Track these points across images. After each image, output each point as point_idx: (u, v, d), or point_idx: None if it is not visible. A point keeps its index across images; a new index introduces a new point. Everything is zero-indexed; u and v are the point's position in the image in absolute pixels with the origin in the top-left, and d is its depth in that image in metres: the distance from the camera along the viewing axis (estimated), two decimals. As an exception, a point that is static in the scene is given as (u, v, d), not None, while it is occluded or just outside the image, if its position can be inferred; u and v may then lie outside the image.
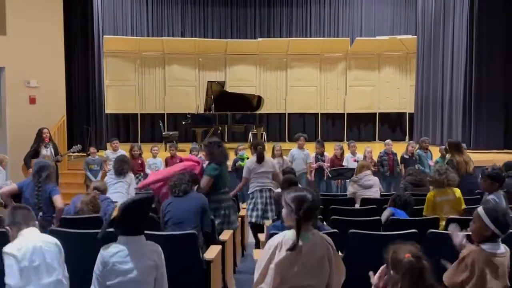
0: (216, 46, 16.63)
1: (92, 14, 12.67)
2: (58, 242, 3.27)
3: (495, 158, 10.71)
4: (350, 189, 6.94)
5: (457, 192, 5.07)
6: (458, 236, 3.13)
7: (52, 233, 3.83)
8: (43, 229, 4.44)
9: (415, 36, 16.06)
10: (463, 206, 5.05)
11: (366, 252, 3.51)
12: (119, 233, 2.89)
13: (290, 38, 16.93)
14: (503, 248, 2.87)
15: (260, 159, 6.59)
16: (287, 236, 2.81)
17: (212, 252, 4.02)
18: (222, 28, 17.53)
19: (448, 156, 9.27)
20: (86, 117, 12.59)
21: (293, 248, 2.74)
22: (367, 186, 6.71)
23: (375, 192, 6.75)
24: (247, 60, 16.91)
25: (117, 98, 16.01)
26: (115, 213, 2.86)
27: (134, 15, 17.13)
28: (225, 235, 4.83)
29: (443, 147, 9.99)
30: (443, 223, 4.61)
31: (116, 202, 5.15)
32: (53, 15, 11.19)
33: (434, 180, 5.13)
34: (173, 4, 17.35)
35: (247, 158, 8.89)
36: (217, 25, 17.54)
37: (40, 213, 4.63)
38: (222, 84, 14.85)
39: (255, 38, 17.05)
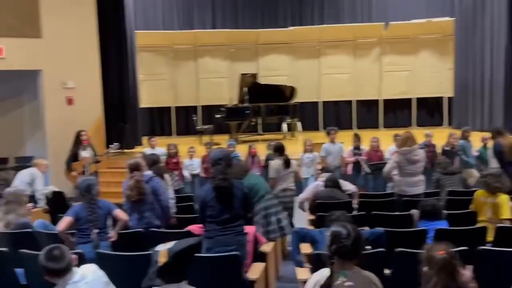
0: (247, 36, 16.50)
1: (124, 10, 12.73)
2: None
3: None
4: (394, 159, 6.74)
5: (503, 198, 4.87)
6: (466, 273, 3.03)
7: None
8: (98, 244, 4.58)
9: (452, 18, 15.53)
10: (505, 216, 4.82)
11: (413, 271, 3.39)
12: (163, 281, 2.73)
13: (322, 26, 16.64)
14: None
15: (287, 164, 7.01)
16: (325, 273, 2.77)
17: (255, 271, 3.99)
18: (254, 18, 17.36)
19: (489, 146, 9.10)
20: (122, 114, 12.72)
21: (326, 285, 2.71)
22: (414, 161, 6.53)
23: (419, 167, 6.56)
24: (279, 50, 16.73)
25: (151, 92, 16.12)
26: (162, 259, 2.70)
27: (164, 9, 17.14)
28: (268, 247, 4.80)
29: (486, 136, 9.73)
30: (491, 232, 4.46)
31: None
32: (86, 15, 11.30)
33: (484, 183, 4.93)
34: (203, -4, 17.28)
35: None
36: (248, 15, 17.38)
37: (96, 230, 4.63)
38: (254, 76, 14.75)
39: (286, 27, 16.82)
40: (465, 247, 3.56)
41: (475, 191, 7.48)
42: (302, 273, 3.89)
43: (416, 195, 6.47)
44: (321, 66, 16.72)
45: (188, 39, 16.47)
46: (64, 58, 10.69)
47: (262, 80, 14.89)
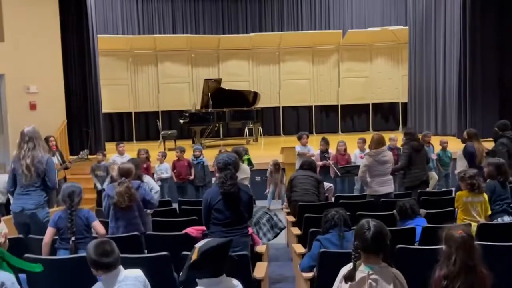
0: (209, 42, 16.59)
1: (87, 14, 12.54)
2: None
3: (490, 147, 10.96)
4: (365, 162, 7.02)
5: (485, 196, 5.22)
6: None
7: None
8: (75, 252, 4.48)
9: (406, 27, 16.21)
10: (489, 212, 5.21)
11: (413, 267, 3.59)
12: (198, 276, 2.84)
13: (282, 32, 16.97)
14: None
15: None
16: (352, 266, 2.93)
17: (260, 271, 4.11)
18: (214, 24, 17.48)
19: (450, 151, 9.59)
20: (85, 119, 12.53)
21: (348, 277, 2.87)
22: (383, 162, 6.86)
23: (388, 167, 6.89)
24: (240, 55, 16.91)
25: (110, 98, 15.87)
26: (194, 256, 2.80)
27: (124, 13, 16.97)
28: (262, 248, 4.93)
29: (444, 140, 10.22)
30: (474, 228, 4.77)
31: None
32: (49, 19, 11.11)
33: (473, 184, 5.21)
34: (164, 0, 17.21)
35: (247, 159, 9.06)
36: (209, 21, 17.48)
37: (73, 238, 4.50)
38: (218, 81, 14.85)
39: (247, 33, 17.05)
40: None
41: (440, 192, 8.00)
42: (298, 248, 4.03)
43: (387, 194, 6.80)
44: (281, 72, 17.04)
45: (148, 44, 16.37)
46: (27, 63, 10.44)
47: (223, 86, 15.02)
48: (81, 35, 12.47)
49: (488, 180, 5.44)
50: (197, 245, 2.83)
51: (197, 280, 2.85)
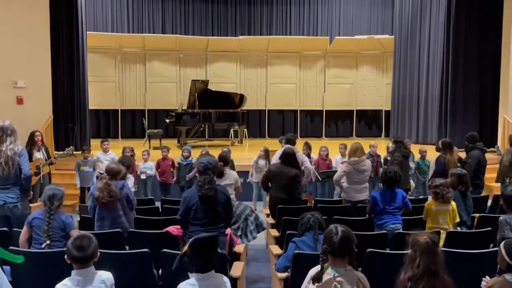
0: (197, 43, 16.72)
1: (77, 10, 12.59)
2: None
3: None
4: (344, 168, 7.24)
5: (453, 204, 5.46)
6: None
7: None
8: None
9: (392, 36, 16.52)
10: (458, 219, 5.44)
11: (383, 270, 3.76)
12: (191, 269, 3.09)
13: (270, 36, 17.18)
14: None
15: (220, 174, 6.64)
16: (319, 268, 3.12)
17: (237, 270, 4.29)
18: (203, 25, 17.63)
19: (427, 158, 9.86)
20: (71, 115, 12.57)
21: (315, 278, 3.07)
22: (362, 171, 7.08)
23: (366, 176, 7.13)
24: (228, 57, 17.07)
25: (97, 94, 15.91)
26: (185, 248, 3.08)
27: (114, 11, 17.03)
28: (240, 248, 5.10)
29: (424, 149, 10.48)
30: (443, 236, 4.99)
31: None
32: (38, 13, 11.10)
33: (437, 193, 5.42)
34: (154, 0, 17.32)
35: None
36: (198, 22, 17.63)
37: (48, 241, 4.48)
38: (206, 82, 15.00)
39: (235, 36, 17.23)
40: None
41: (417, 199, 8.23)
42: (275, 249, 4.21)
43: (362, 201, 7.03)
44: (268, 75, 17.24)
45: (137, 43, 16.46)
46: (15, 57, 10.48)
47: (210, 87, 15.16)
48: (70, 31, 12.50)
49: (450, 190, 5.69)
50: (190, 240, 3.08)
51: (189, 274, 3.08)
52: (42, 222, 4.55)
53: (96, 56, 15.91)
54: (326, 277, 3.05)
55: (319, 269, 3.10)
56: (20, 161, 5.73)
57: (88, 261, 3.14)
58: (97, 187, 5.32)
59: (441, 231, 5.05)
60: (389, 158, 9.95)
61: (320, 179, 9.47)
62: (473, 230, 5.20)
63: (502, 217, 4.77)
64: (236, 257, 4.98)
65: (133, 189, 6.91)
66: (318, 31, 17.83)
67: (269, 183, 7.08)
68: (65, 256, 3.19)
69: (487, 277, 3.37)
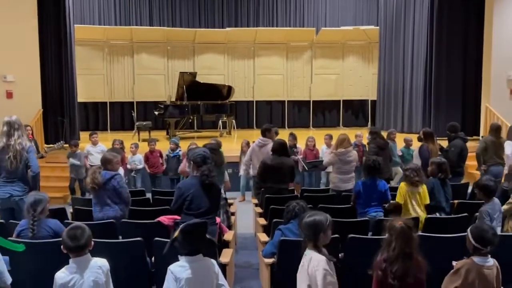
0: (185, 35, 16.81)
1: (64, 3, 12.63)
2: None
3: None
4: (330, 159, 7.46)
5: (424, 187, 5.78)
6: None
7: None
8: None
9: (377, 27, 16.74)
10: (427, 201, 5.74)
11: (363, 255, 3.99)
12: (182, 252, 3.32)
13: (257, 28, 17.31)
14: (491, 262, 3.46)
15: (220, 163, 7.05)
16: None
17: (226, 256, 4.52)
18: (190, 17, 17.70)
19: (412, 147, 10.11)
20: (60, 108, 12.66)
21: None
22: (347, 162, 7.31)
23: (352, 166, 7.35)
24: (215, 49, 17.20)
25: (86, 87, 15.99)
26: (176, 234, 3.33)
27: (101, 4, 17.05)
28: (229, 236, 5.32)
29: (409, 138, 10.73)
30: (423, 220, 5.28)
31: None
32: (26, 8, 11.17)
33: (407, 177, 5.78)
34: (141, -8, 17.37)
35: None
36: (185, 14, 17.69)
37: None
38: (194, 75, 15.12)
39: (223, 28, 17.33)
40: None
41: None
42: (262, 236, 4.44)
43: (348, 190, 7.25)
44: (255, 66, 17.39)
45: (124, 35, 16.51)
46: (4, 52, 10.55)
47: (198, 79, 15.29)
48: (58, 25, 12.55)
49: (430, 177, 5.95)
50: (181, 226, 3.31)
51: (179, 256, 3.32)
52: (26, 231, 4.47)
53: (84, 49, 15.95)
54: (303, 259, 3.34)
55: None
56: (29, 157, 5.87)
57: (83, 249, 3.33)
58: (88, 173, 5.56)
59: (421, 216, 5.32)
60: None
61: (306, 169, 9.69)
62: (450, 216, 5.45)
63: (483, 208, 5.00)
64: (226, 245, 5.20)
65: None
66: (304, 23, 17.99)
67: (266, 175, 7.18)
68: (61, 247, 3.37)
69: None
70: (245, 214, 8.27)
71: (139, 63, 16.78)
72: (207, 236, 3.49)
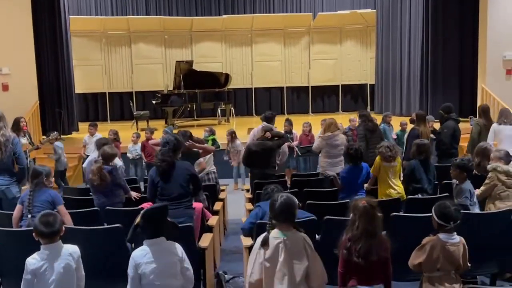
0: (182, 23, 16.81)
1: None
2: None
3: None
4: (317, 143, 7.52)
5: (398, 160, 5.98)
6: None
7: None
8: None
9: (374, 10, 16.63)
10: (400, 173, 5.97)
11: (339, 236, 4.05)
12: (144, 237, 3.40)
13: (254, 14, 17.27)
14: (457, 239, 3.51)
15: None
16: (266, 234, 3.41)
17: (205, 240, 4.59)
18: (187, 5, 17.67)
19: (407, 130, 10.11)
20: (58, 100, 12.77)
21: (263, 243, 3.34)
22: (335, 146, 7.35)
23: (340, 150, 7.34)
24: (213, 37, 17.19)
25: (84, 78, 16.09)
26: (138, 220, 3.40)
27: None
28: (213, 221, 5.39)
29: (404, 121, 10.74)
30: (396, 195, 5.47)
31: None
32: (21, 1, 11.21)
33: (381, 154, 5.89)
34: (137, -18, 17.35)
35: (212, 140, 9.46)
36: (182, 3, 17.66)
37: (29, 215, 4.79)
38: (190, 63, 15.15)
39: (219, 15, 17.30)
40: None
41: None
42: (245, 240, 4.51)
43: (337, 174, 7.29)
44: (253, 53, 17.37)
45: (121, 25, 16.54)
46: (-2, 44, 10.64)
47: (196, 67, 15.31)
48: (53, 16, 12.63)
49: (411, 160, 6.02)
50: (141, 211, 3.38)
51: (143, 241, 3.40)
52: (26, 199, 4.88)
53: (81, 40, 16.02)
54: (274, 241, 3.30)
55: (266, 234, 3.37)
56: (15, 150, 5.96)
57: (56, 235, 3.40)
58: (91, 169, 5.64)
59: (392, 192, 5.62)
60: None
61: (300, 154, 9.74)
62: (431, 196, 5.49)
63: (464, 186, 5.04)
64: (210, 229, 5.27)
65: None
66: (301, 8, 17.90)
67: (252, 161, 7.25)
68: (33, 234, 3.44)
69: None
70: (238, 200, 8.35)
71: (137, 52, 16.82)
72: (169, 219, 3.55)
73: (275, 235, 3.32)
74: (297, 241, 3.30)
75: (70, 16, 14.02)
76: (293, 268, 3.24)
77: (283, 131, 10.21)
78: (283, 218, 3.34)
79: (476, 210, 4.99)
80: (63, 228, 3.47)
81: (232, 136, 10.10)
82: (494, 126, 7.90)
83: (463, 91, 13.40)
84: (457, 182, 5.13)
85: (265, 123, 8.29)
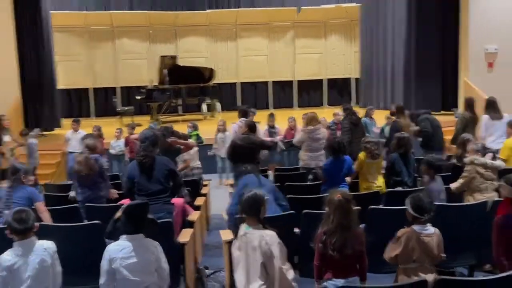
0: (166, 18, 16.73)
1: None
2: None
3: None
4: (299, 137, 7.56)
5: (381, 157, 6.08)
6: None
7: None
8: None
9: (358, 4, 16.66)
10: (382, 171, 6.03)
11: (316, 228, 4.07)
12: (123, 231, 3.40)
13: (239, 9, 17.22)
14: (431, 230, 3.56)
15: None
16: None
17: (185, 236, 4.59)
18: (171, 0, 17.53)
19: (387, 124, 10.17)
20: (40, 96, 12.63)
21: (234, 234, 3.51)
22: (316, 139, 7.38)
23: (321, 144, 7.38)
24: (197, 32, 17.12)
25: (67, 74, 15.96)
26: (118, 214, 3.43)
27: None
28: (194, 216, 5.39)
29: (389, 115, 10.77)
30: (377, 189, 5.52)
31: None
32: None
33: (367, 149, 5.95)
34: (120, -24, 17.20)
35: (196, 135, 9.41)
36: (165, -2, 17.55)
37: (6, 211, 4.74)
38: (175, 58, 15.09)
39: (204, 10, 17.22)
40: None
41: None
42: (225, 234, 4.51)
43: (319, 167, 7.32)
44: (238, 48, 17.33)
45: (104, 20, 16.41)
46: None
47: (181, 62, 15.24)
48: (34, 12, 12.47)
49: (391, 154, 6.06)
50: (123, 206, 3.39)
51: (121, 236, 3.41)
52: (4, 196, 4.93)
53: (63, 35, 15.87)
54: (240, 232, 3.44)
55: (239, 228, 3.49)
56: None
57: (29, 232, 3.39)
58: (77, 160, 5.67)
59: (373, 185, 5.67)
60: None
61: (284, 148, 9.76)
62: (411, 189, 5.52)
63: (433, 185, 5.06)
64: (191, 225, 5.27)
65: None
66: (285, 2, 17.88)
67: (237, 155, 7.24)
68: (6, 231, 3.42)
69: None
70: (222, 196, 8.33)
71: (121, 48, 16.70)
72: (149, 216, 3.55)
73: (242, 228, 3.44)
74: (255, 236, 3.36)
75: (52, 11, 13.88)
76: (250, 262, 3.32)
77: (266, 126, 10.28)
78: (249, 212, 3.43)
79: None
80: (37, 224, 3.46)
81: (225, 126, 10.00)
82: (485, 119, 7.74)
83: (446, 85, 13.47)
84: (426, 178, 5.17)
85: (244, 118, 8.27)
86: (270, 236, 3.37)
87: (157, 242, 3.47)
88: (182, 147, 6.44)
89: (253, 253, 3.32)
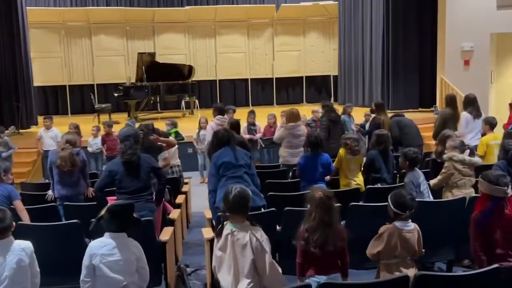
0: (143, 14, 16.56)
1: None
2: None
3: (412, 117, 11.72)
4: (279, 133, 7.56)
5: (361, 155, 6.11)
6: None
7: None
8: None
9: (336, 2, 16.74)
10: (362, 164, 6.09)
11: (297, 225, 4.08)
12: (106, 230, 3.37)
13: (217, 6, 17.15)
14: (412, 226, 3.60)
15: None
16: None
17: (166, 234, 4.56)
18: (149, -4, 17.41)
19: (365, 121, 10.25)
20: (15, 93, 12.41)
21: (217, 234, 3.44)
22: (297, 136, 7.39)
23: (301, 141, 7.34)
24: (176, 28, 16.99)
25: (43, 71, 15.68)
26: (102, 212, 3.39)
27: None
28: (174, 214, 5.35)
29: (368, 112, 10.84)
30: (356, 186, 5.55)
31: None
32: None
33: (347, 145, 5.95)
34: (97, -28, 16.97)
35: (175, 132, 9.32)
36: (143, -6, 17.39)
37: None
38: (153, 55, 14.96)
39: (182, 6, 17.11)
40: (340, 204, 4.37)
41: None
42: (207, 232, 4.50)
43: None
44: (217, 45, 17.25)
45: (80, 16, 16.17)
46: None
47: (159, 59, 15.12)
48: (9, 7, 12.27)
49: (370, 151, 6.12)
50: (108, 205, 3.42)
51: (105, 234, 3.39)
52: None
53: (39, 32, 15.60)
54: (225, 232, 3.36)
55: (220, 226, 3.43)
56: None
57: (6, 231, 3.34)
58: (60, 155, 5.62)
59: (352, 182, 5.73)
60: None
61: (263, 145, 9.76)
62: (390, 186, 5.58)
63: (406, 179, 5.10)
64: (171, 223, 5.23)
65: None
66: (264, -1, 17.90)
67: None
68: None
69: None
70: (203, 193, 8.28)
71: (98, 44, 16.48)
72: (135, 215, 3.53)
73: (227, 226, 3.37)
74: (243, 234, 3.31)
75: (27, 7, 13.64)
76: (238, 261, 3.26)
77: (246, 123, 10.26)
78: (236, 210, 3.37)
79: (426, 199, 5.05)
80: (14, 224, 3.39)
81: (207, 123, 9.90)
82: (466, 116, 7.66)
83: (423, 82, 13.66)
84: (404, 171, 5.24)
85: (220, 116, 8.22)
86: (259, 232, 3.36)
87: (137, 243, 3.43)
88: (164, 144, 6.38)
89: (242, 252, 3.26)
